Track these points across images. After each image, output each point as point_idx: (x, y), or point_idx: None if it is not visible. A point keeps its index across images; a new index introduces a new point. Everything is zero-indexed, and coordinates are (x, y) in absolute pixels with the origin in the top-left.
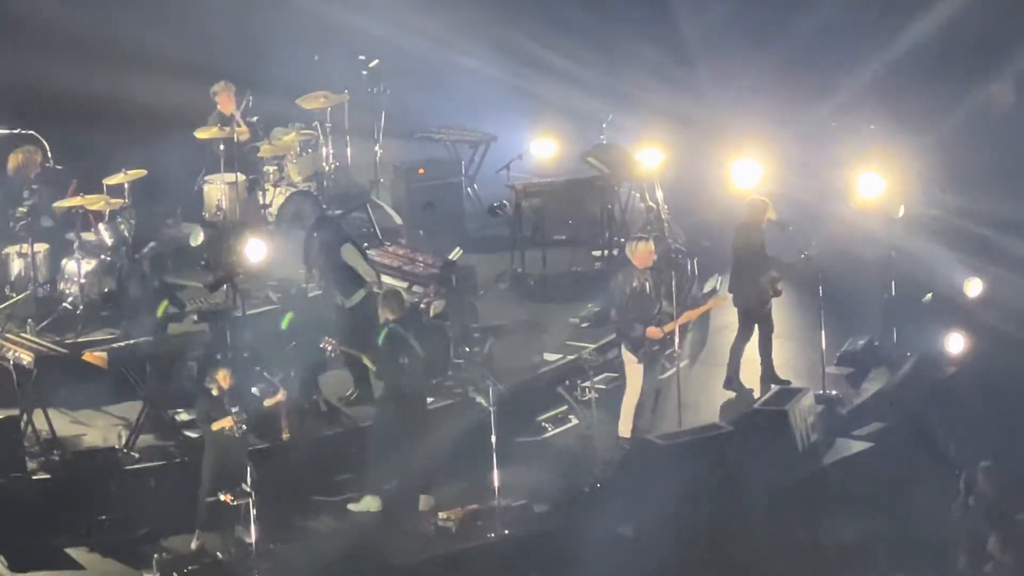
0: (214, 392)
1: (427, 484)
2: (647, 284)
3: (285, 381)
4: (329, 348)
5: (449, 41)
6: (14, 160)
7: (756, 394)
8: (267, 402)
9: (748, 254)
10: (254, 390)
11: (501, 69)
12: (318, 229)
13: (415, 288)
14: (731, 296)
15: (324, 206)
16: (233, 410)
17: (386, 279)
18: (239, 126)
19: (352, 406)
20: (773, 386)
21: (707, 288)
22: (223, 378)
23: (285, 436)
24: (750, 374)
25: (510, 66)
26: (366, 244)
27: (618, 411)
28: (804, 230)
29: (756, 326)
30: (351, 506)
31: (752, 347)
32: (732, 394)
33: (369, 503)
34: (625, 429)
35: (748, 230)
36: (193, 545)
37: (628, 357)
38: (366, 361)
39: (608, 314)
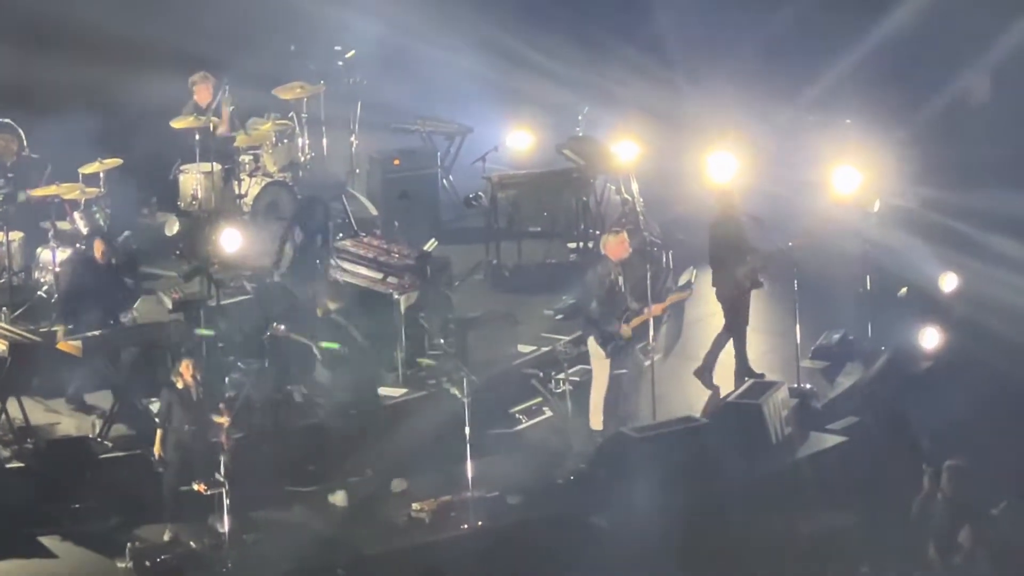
0: (179, 385)
1: (401, 474)
2: (619, 277)
3: (260, 372)
4: (280, 334)
5: (425, 33)
6: None
7: (727, 389)
8: (216, 418)
9: (725, 246)
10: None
11: (477, 62)
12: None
13: (390, 279)
14: (714, 289)
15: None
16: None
17: (359, 269)
18: (215, 116)
19: None
20: (747, 379)
21: (682, 281)
22: (186, 369)
23: (221, 457)
24: (724, 368)
25: (486, 59)
26: (341, 235)
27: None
28: (779, 224)
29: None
30: (330, 497)
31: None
32: (706, 387)
33: (339, 498)
34: (596, 422)
35: (724, 222)
36: (166, 535)
37: (595, 350)
38: (314, 348)
39: (584, 307)
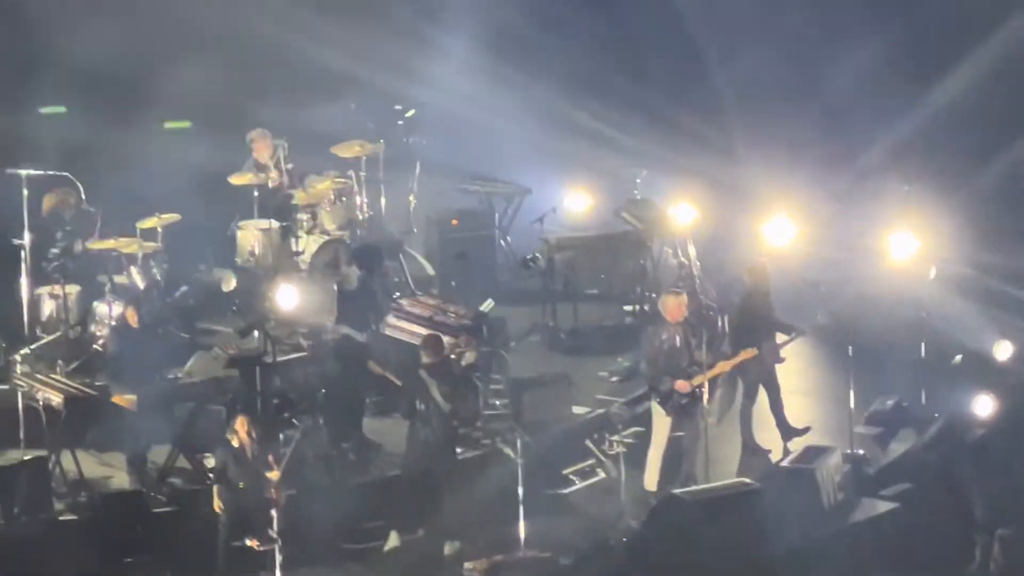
0: (234, 442)
1: (454, 533)
2: (677, 338)
3: (314, 428)
4: (377, 371)
5: (485, 95)
6: (48, 201)
7: (776, 454)
8: (267, 473)
9: (751, 320)
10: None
11: (536, 124)
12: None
13: (446, 338)
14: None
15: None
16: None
17: (415, 328)
18: (273, 173)
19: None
20: (794, 437)
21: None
22: (241, 426)
23: (272, 512)
24: (769, 433)
25: (545, 122)
26: (398, 293)
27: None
28: (835, 290)
29: (762, 388)
30: (386, 548)
31: (764, 410)
32: (754, 455)
33: (393, 540)
34: (651, 482)
35: (752, 297)
36: None
37: (656, 409)
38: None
39: (639, 367)
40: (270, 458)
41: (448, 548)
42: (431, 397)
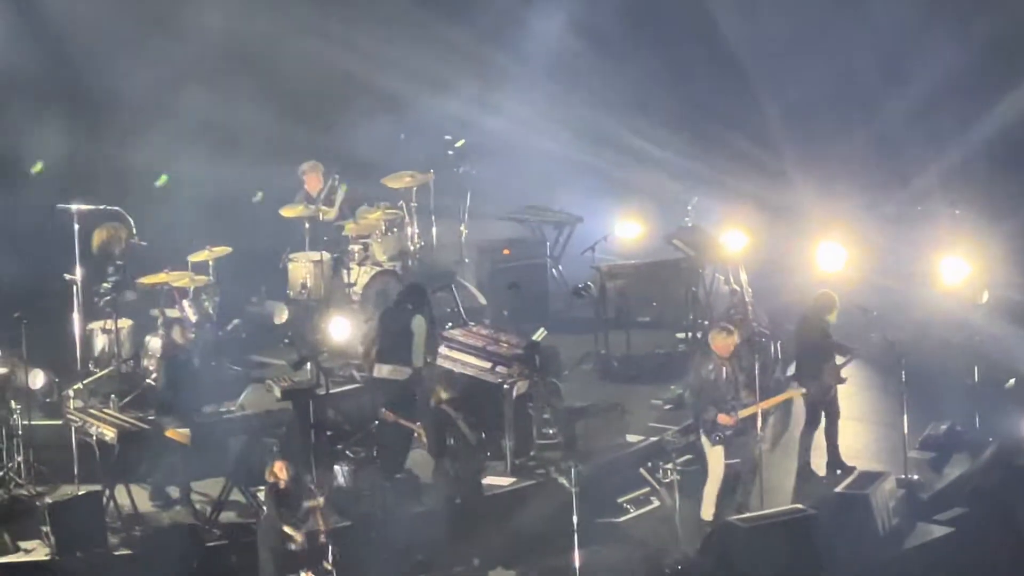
0: (271, 480)
1: (509, 562)
2: (724, 370)
3: (367, 460)
4: (389, 419)
5: (535, 123)
6: (99, 236)
7: (825, 480)
8: (308, 503)
9: (811, 346)
10: (336, 468)
11: (587, 152)
12: (406, 296)
13: (498, 368)
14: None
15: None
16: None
17: (468, 358)
18: (324, 204)
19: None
20: (839, 472)
21: (790, 371)
22: (280, 470)
23: (322, 539)
24: (817, 459)
25: (596, 149)
26: (450, 324)
27: (700, 493)
28: (887, 315)
29: (822, 413)
30: None
31: (820, 433)
32: (808, 482)
33: None
34: (708, 512)
35: (811, 322)
36: None
37: (705, 441)
38: (418, 432)
39: (684, 395)
40: (311, 487)
41: None
42: (459, 431)
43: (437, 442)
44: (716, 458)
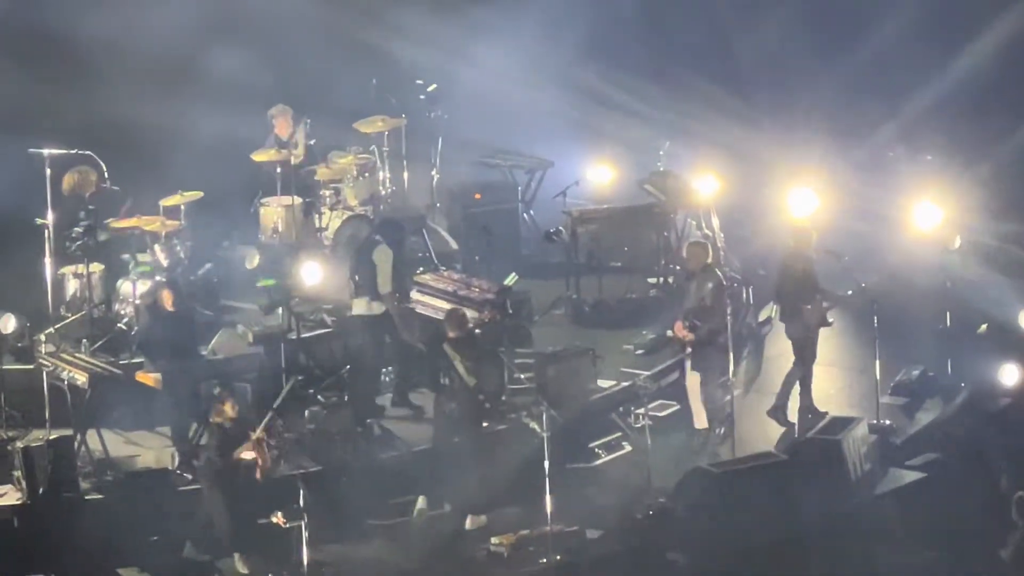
0: (226, 424)
1: (480, 508)
2: (691, 284)
3: (339, 404)
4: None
5: (506, 69)
6: (68, 180)
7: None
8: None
9: (793, 284)
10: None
11: (558, 97)
12: (378, 230)
13: (470, 313)
14: (783, 326)
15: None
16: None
17: (439, 303)
18: (296, 150)
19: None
20: (810, 416)
21: (762, 316)
22: (229, 409)
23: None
24: (791, 404)
25: (567, 95)
26: (421, 268)
27: (671, 438)
28: (859, 260)
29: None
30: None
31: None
32: (781, 425)
33: (420, 504)
34: (700, 421)
35: (793, 259)
36: (241, 568)
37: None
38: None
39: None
40: (252, 428)
41: (471, 522)
42: (456, 371)
43: (432, 378)
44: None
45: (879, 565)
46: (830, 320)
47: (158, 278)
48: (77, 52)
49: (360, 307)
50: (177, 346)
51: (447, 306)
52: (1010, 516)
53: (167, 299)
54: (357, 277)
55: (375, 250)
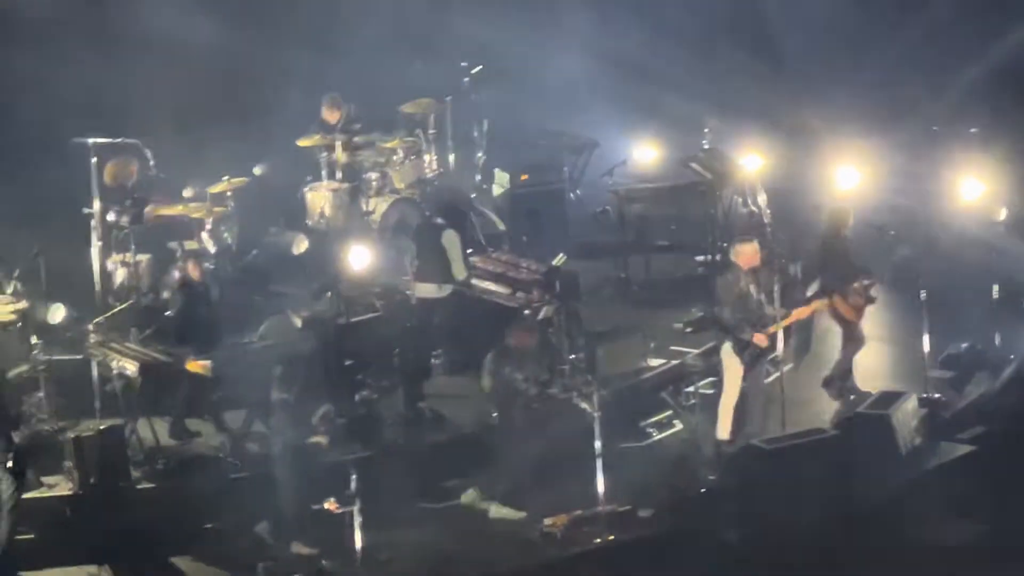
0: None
1: (532, 488)
2: (751, 286)
3: (388, 389)
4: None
5: (552, 48)
6: (110, 171)
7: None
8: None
9: (832, 265)
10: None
11: (604, 76)
12: (441, 213)
13: (519, 294)
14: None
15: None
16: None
17: (488, 285)
18: (341, 134)
19: None
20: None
21: (810, 292)
22: (193, 269)
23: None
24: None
25: (613, 73)
26: (470, 250)
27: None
28: (905, 235)
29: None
30: (463, 497)
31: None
32: (834, 398)
33: (470, 496)
34: (724, 431)
35: (830, 239)
36: (297, 552)
37: (730, 359)
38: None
39: (714, 315)
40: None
41: (466, 497)
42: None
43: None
44: (735, 375)
45: (929, 539)
46: (874, 296)
47: (207, 265)
48: (123, 40)
49: (427, 291)
50: (212, 325)
51: (497, 288)
52: None
53: (193, 269)
54: (418, 261)
55: (443, 234)
